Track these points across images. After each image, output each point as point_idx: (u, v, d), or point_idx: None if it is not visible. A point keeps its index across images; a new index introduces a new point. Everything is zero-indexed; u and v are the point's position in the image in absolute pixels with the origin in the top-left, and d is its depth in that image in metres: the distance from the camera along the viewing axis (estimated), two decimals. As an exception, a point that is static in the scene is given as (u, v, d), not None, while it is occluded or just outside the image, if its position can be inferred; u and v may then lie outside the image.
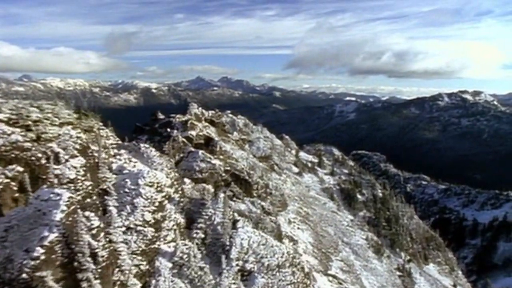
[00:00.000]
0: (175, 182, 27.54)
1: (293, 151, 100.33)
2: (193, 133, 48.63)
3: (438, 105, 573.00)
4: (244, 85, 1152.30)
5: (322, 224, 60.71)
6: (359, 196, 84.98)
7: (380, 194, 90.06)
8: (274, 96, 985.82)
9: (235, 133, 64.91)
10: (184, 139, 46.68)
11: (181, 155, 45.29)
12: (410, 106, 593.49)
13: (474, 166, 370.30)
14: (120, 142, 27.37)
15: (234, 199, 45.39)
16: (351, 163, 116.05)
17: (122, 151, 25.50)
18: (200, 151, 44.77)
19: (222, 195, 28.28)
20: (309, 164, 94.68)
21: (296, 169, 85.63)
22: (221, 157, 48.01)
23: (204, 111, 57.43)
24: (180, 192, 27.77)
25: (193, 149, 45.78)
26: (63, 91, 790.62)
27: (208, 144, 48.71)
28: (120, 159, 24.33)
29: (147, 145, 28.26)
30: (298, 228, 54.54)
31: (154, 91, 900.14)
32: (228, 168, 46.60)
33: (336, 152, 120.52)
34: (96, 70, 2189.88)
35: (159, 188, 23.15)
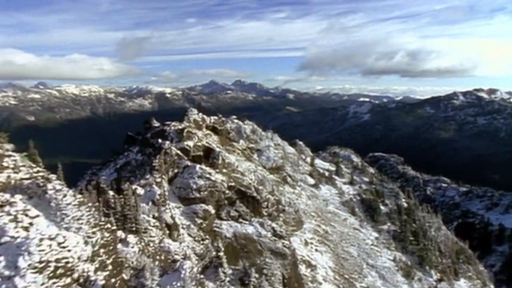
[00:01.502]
0: (103, 250, 15.73)
1: (308, 159, 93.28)
2: (190, 143, 41.70)
3: (453, 104, 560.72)
4: (257, 88, 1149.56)
5: (344, 244, 53.57)
6: (382, 207, 77.53)
7: (405, 204, 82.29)
8: (287, 98, 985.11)
9: (241, 141, 57.92)
10: (179, 151, 39.84)
11: (175, 170, 38.49)
12: (425, 105, 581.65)
13: (492, 166, 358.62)
14: (44, 175, 16.03)
15: (240, 220, 38.68)
16: (371, 170, 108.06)
17: (17, 197, 14.26)
18: (198, 166, 38.06)
19: (187, 263, 17.34)
20: (326, 173, 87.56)
21: (312, 181, 78.77)
22: (224, 170, 41.12)
23: (205, 116, 50.56)
24: (112, 265, 15.90)
25: (189, 163, 39.08)
26: (78, 97, 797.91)
27: (208, 156, 41.79)
28: (9, 213, 13.06)
29: (59, 186, 15.98)
30: (316, 250, 47.75)
31: (168, 95, 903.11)
32: (233, 184, 39.73)
33: (355, 158, 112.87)
34: (110, 76, 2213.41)
35: (62, 270, 12.43)
